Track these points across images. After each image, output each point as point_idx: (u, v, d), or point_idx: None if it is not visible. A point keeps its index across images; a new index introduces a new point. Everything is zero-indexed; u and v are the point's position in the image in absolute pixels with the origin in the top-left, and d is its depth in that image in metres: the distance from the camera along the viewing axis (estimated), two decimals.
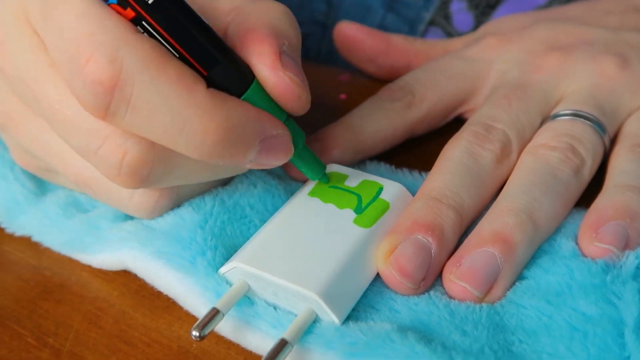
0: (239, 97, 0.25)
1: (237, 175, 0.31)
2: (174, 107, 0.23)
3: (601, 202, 0.29)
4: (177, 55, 0.24)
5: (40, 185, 0.34)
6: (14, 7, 0.26)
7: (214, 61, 0.24)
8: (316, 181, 0.31)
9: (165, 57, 0.23)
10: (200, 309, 0.27)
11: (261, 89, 0.26)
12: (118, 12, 0.23)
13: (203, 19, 0.24)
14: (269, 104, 0.26)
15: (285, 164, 0.32)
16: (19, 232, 0.32)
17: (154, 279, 0.28)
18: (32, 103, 0.27)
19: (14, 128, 0.29)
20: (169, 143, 0.24)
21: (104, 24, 0.23)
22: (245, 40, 0.26)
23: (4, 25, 0.26)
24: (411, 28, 0.51)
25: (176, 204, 0.30)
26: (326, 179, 0.30)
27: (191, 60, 0.24)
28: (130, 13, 0.23)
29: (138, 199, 0.29)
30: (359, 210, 0.29)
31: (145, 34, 0.23)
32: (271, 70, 0.26)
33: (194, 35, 0.24)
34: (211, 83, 0.24)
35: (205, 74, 0.24)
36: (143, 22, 0.23)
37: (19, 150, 0.32)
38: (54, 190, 0.33)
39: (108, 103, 0.23)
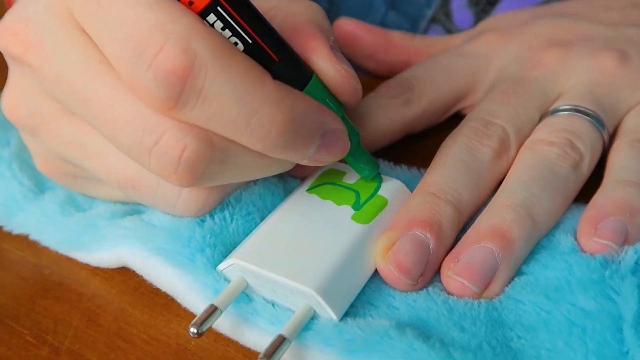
0: (301, 90, 0.26)
1: None
2: (244, 97, 0.23)
3: (600, 197, 0.29)
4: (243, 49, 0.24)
5: (39, 183, 0.34)
6: (54, 4, 0.25)
7: (279, 53, 0.25)
8: (314, 178, 0.31)
9: (233, 48, 0.23)
10: (198, 306, 0.27)
11: (320, 83, 0.26)
12: (183, 4, 0.23)
13: (261, 14, 0.25)
14: (328, 99, 0.27)
15: None
16: (16, 231, 0.32)
17: (152, 276, 0.28)
18: (76, 102, 0.26)
19: (46, 131, 0.29)
20: (235, 134, 0.24)
21: (173, 14, 0.22)
22: (296, 36, 0.26)
23: (42, 24, 0.26)
24: (413, 25, 0.51)
25: (222, 201, 0.29)
26: (379, 178, 0.30)
27: (264, 46, 0.24)
28: (202, 2, 0.23)
29: (187, 196, 0.28)
30: (357, 206, 0.29)
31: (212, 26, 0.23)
32: (329, 64, 0.26)
33: (263, 24, 0.24)
34: (275, 77, 0.24)
35: (277, 60, 0.25)
36: (214, 12, 0.23)
37: (47, 155, 0.31)
38: (52, 189, 0.33)
39: (179, 94, 0.23)
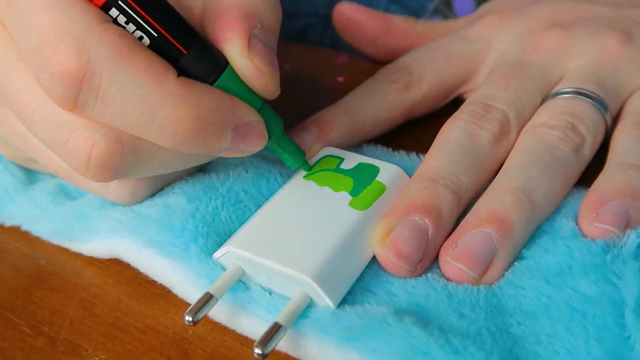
0: (212, 84, 0.25)
1: (228, 162, 0.31)
2: (145, 97, 0.23)
3: (602, 181, 0.28)
4: (148, 44, 0.24)
5: (30, 174, 0.34)
6: None
7: (188, 45, 0.24)
8: (312, 165, 0.30)
9: (134, 46, 0.23)
10: (194, 296, 0.26)
11: (235, 74, 0.26)
12: (87, 0, 0.23)
13: (171, 5, 0.24)
14: (244, 90, 0.26)
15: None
16: (8, 222, 0.32)
17: (147, 268, 0.28)
18: (2, 95, 0.26)
19: None
20: (141, 133, 0.24)
21: (70, 13, 0.22)
22: (216, 22, 0.25)
23: None
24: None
25: (156, 189, 0.30)
26: (306, 166, 0.30)
27: (171, 40, 0.24)
28: None
29: (115, 187, 0.29)
30: (355, 192, 0.28)
31: (115, 20, 0.23)
32: (238, 56, 0.25)
33: (170, 16, 0.24)
34: (183, 71, 0.24)
35: (185, 53, 0.24)
36: (115, 6, 0.23)
37: (2, 142, 0.32)
38: (43, 179, 0.33)
39: (76, 94, 0.23)
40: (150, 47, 0.24)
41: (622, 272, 0.25)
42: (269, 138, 0.27)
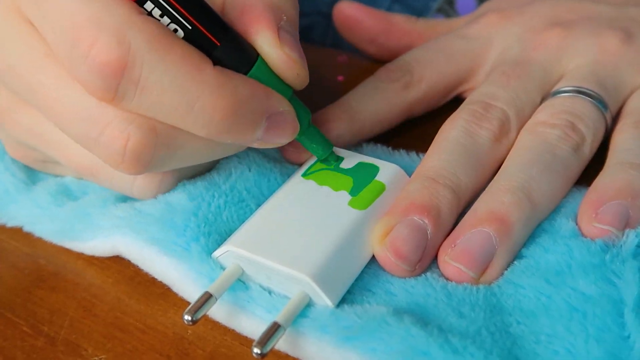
0: (245, 74, 0.25)
1: (230, 160, 0.31)
2: (183, 86, 0.23)
3: (602, 180, 0.28)
4: (182, 37, 0.24)
5: (31, 174, 0.34)
6: None
7: (222, 37, 0.25)
8: (312, 164, 0.30)
9: (171, 37, 0.23)
10: (194, 295, 0.26)
11: (265, 65, 0.26)
12: None
13: None
14: (274, 81, 0.27)
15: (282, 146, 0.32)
16: (10, 223, 0.32)
17: (148, 266, 0.28)
18: (26, 94, 0.26)
19: (6, 121, 0.29)
20: (178, 122, 0.24)
21: (108, 5, 0.23)
22: (243, 16, 0.26)
23: None
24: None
25: (179, 182, 0.30)
26: (334, 157, 0.30)
27: (204, 32, 0.24)
28: None
29: (141, 181, 0.29)
30: (354, 192, 0.28)
31: (150, 13, 0.24)
32: (270, 47, 0.26)
33: (204, 9, 0.24)
34: (217, 62, 0.24)
35: (219, 45, 0.25)
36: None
37: (14, 143, 0.32)
38: (44, 179, 0.33)
39: (117, 85, 0.23)
40: (184, 39, 0.24)
41: (621, 272, 0.24)
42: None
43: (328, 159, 0.30)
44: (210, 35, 0.24)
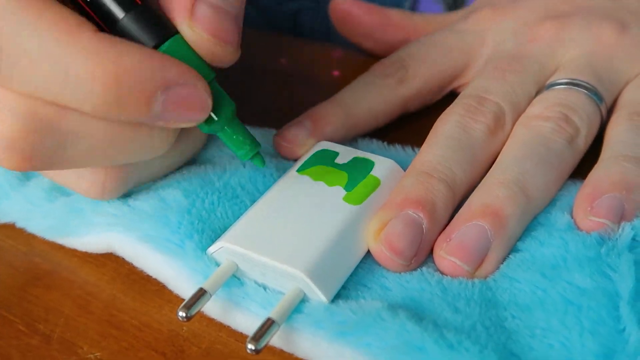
0: (155, 49, 0.24)
1: (224, 156, 0.31)
2: (54, 53, 0.21)
3: (597, 173, 0.28)
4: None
5: (26, 172, 0.33)
6: None
7: (127, 9, 0.23)
8: (306, 159, 0.30)
9: (44, 1, 0.21)
10: (189, 292, 0.26)
11: (184, 43, 0.24)
12: None
13: None
14: (194, 60, 0.24)
15: (276, 142, 0.32)
16: (2, 219, 0.32)
17: (142, 263, 0.28)
18: None
19: None
20: (55, 96, 0.21)
21: None
22: None
23: None
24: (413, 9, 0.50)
25: (131, 186, 0.28)
26: (259, 160, 0.27)
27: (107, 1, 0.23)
28: None
29: (86, 180, 0.27)
30: (349, 187, 0.28)
31: None
32: (184, 22, 0.24)
33: None
34: (122, 35, 0.23)
35: (122, 15, 0.23)
36: None
37: None
38: (38, 175, 0.33)
39: None
40: (88, 5, 0.22)
41: (616, 265, 0.24)
42: (216, 122, 0.25)
43: (253, 160, 0.27)
44: (115, 5, 0.23)
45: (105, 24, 0.23)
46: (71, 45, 0.21)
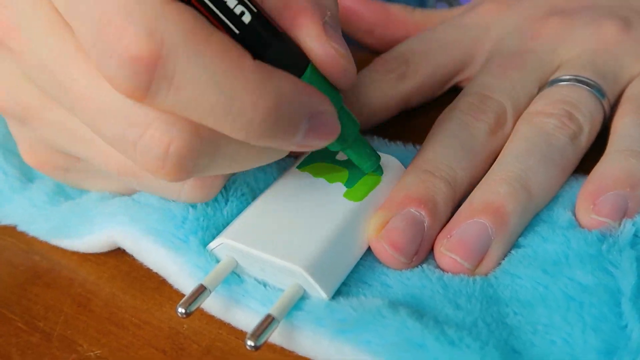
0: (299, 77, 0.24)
1: None
2: (221, 83, 0.21)
3: (601, 169, 0.28)
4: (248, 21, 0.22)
5: (27, 172, 0.33)
6: None
7: (275, 34, 0.23)
8: (307, 156, 0.30)
9: (207, 28, 0.21)
10: (190, 288, 0.26)
11: (316, 71, 0.24)
12: None
13: None
14: (324, 86, 0.25)
15: None
16: (4, 222, 0.31)
17: (143, 256, 0.27)
18: (57, 92, 0.24)
19: (34, 119, 0.26)
20: (215, 123, 0.22)
21: None
22: (286, 10, 0.24)
23: (18, 6, 0.23)
24: (420, 6, 0.50)
25: (225, 183, 0.28)
26: (380, 171, 0.29)
27: (262, 26, 0.22)
28: None
29: (192, 183, 0.26)
30: (349, 184, 0.28)
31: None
32: (317, 42, 0.24)
33: (253, 4, 0.22)
34: (270, 61, 0.22)
35: (273, 41, 0.23)
36: None
37: (36, 146, 0.29)
38: (41, 177, 0.32)
39: (149, 82, 0.20)
40: (236, 36, 0.22)
41: (618, 261, 0.24)
42: (345, 140, 0.26)
43: (375, 172, 0.29)
44: (266, 31, 0.22)
45: (253, 52, 0.22)
46: (238, 76, 0.21)
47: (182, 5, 0.21)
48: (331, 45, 0.24)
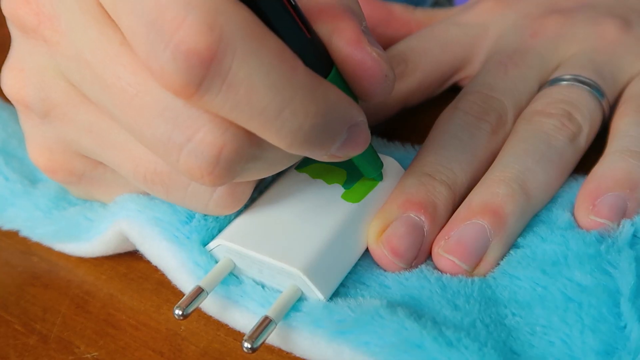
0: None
1: None
2: (276, 86, 0.19)
3: (600, 169, 0.28)
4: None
5: (29, 175, 0.33)
6: None
7: (309, 32, 0.22)
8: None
9: (264, 28, 0.19)
10: (188, 285, 0.26)
11: (339, 76, 0.23)
12: None
13: None
14: (346, 91, 0.24)
15: None
16: (6, 226, 0.31)
17: (146, 247, 0.27)
18: (95, 88, 0.22)
19: (59, 117, 0.25)
20: (260, 126, 0.20)
21: None
22: (322, 16, 0.23)
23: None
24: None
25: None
26: (381, 177, 0.28)
27: (298, 20, 0.21)
28: None
29: (222, 192, 0.25)
30: (348, 185, 0.28)
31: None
32: (356, 47, 0.23)
33: (295, 6, 0.22)
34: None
35: (308, 40, 0.22)
36: None
37: (53, 147, 0.27)
38: (44, 182, 0.32)
39: (202, 78, 0.19)
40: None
41: (617, 262, 0.24)
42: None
43: (376, 178, 0.28)
44: (304, 29, 0.21)
45: None
46: (292, 80, 0.20)
47: (239, 2, 0.19)
48: (372, 50, 0.23)
